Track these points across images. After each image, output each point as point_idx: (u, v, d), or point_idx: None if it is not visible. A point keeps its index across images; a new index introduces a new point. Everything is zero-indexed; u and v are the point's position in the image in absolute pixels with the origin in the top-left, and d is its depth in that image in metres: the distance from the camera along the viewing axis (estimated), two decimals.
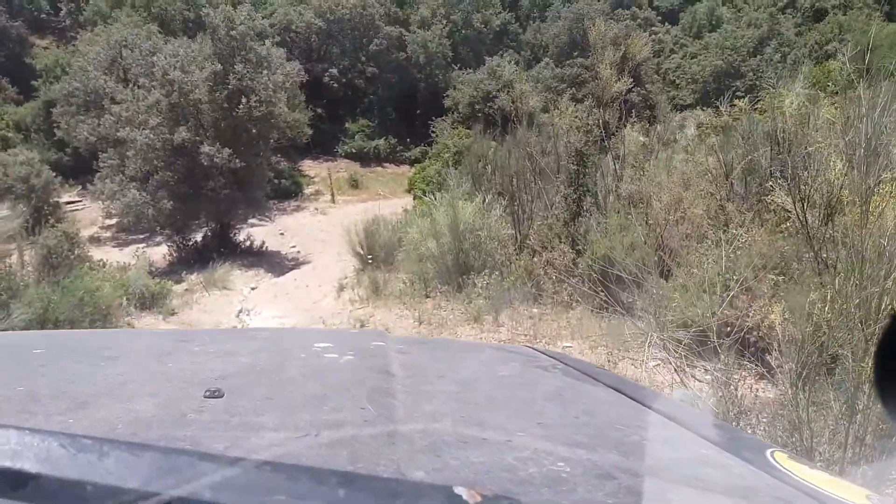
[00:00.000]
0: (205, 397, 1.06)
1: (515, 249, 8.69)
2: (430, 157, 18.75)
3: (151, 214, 16.18)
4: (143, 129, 16.28)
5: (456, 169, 16.05)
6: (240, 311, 12.50)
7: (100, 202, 18.10)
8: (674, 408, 1.40)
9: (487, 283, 7.67)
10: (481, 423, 1.11)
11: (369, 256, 12.09)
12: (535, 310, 7.28)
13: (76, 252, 11.95)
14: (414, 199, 18.53)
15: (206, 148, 16.16)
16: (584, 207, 8.19)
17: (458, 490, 0.63)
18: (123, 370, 1.28)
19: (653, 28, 35.81)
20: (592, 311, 6.75)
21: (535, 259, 7.98)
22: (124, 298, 10.61)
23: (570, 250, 7.50)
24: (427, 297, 8.70)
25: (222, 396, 1.07)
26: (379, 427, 1.00)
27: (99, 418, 0.96)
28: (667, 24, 38.03)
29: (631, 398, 1.39)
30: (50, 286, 9.81)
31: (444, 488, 0.64)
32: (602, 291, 6.17)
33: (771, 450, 1.11)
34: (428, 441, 0.96)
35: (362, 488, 0.64)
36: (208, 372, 1.25)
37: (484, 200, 9.31)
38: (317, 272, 14.82)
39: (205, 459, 0.66)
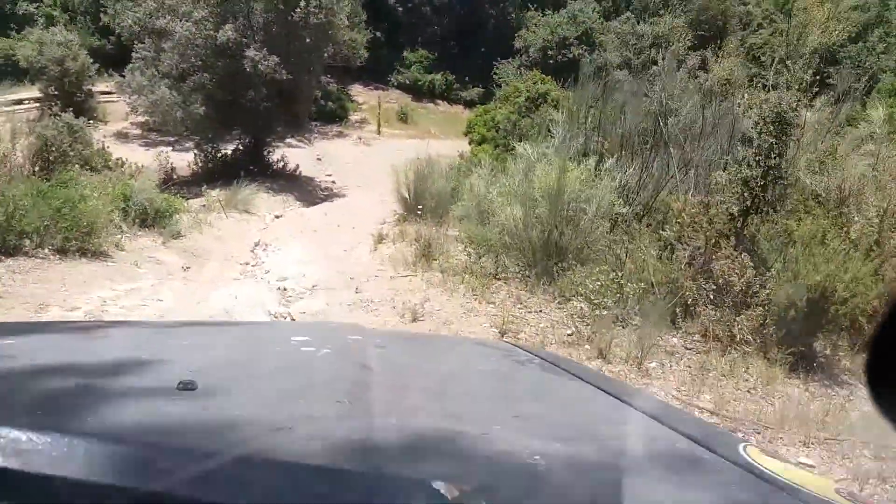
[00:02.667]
0: (178, 390, 0.97)
1: (627, 234, 6.18)
2: (496, 100, 16.06)
3: (180, 117, 13.86)
4: (186, 21, 13.80)
5: (529, 119, 13.44)
6: (256, 244, 10.25)
7: (126, 96, 15.73)
8: (649, 403, 1.34)
9: (601, 286, 5.20)
10: (458, 417, 1.06)
11: (419, 206, 9.67)
12: (674, 340, 4.84)
13: (77, 149, 9.66)
14: (470, 143, 15.92)
15: (251, 52, 13.68)
16: (769, 199, 5.60)
17: (437, 485, 0.59)
18: (95, 362, 1.19)
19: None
20: (781, 364, 4.33)
21: (665, 254, 5.50)
22: (117, 213, 8.34)
23: (748, 261, 4.91)
24: (496, 277, 6.29)
25: (195, 389, 0.97)
26: (356, 421, 0.95)
27: (69, 411, 0.88)
28: None
29: (607, 393, 1.32)
30: (26, 188, 7.56)
31: (422, 483, 0.61)
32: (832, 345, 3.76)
33: (743, 444, 1.06)
34: (405, 435, 0.92)
35: (340, 483, 0.60)
36: (182, 365, 1.16)
37: (598, 164, 6.75)
38: (352, 210, 12.47)
39: (180, 454, 0.61)
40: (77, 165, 9.47)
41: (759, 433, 3.53)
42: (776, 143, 5.60)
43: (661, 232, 5.77)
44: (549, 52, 22.40)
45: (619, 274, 5.28)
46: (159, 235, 8.96)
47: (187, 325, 2.55)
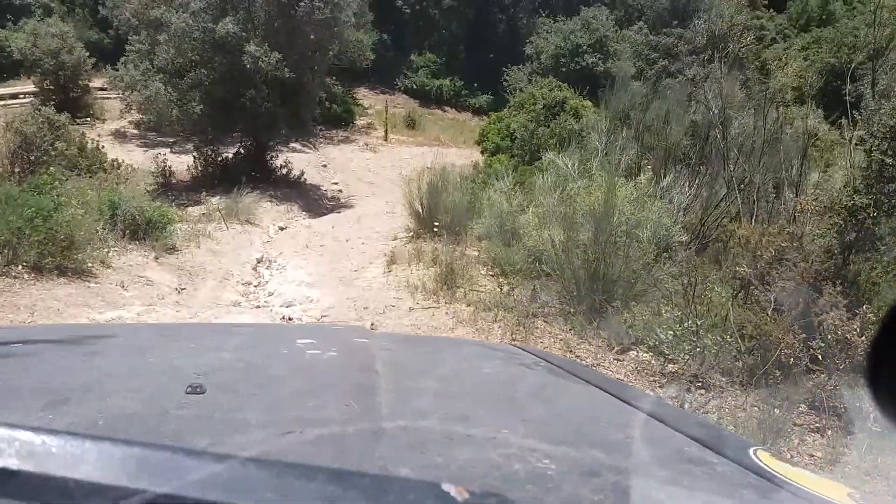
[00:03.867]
0: (186, 393, 0.97)
1: (689, 266, 5.22)
2: (510, 107, 15.14)
3: (176, 116, 12.90)
4: (183, 12, 12.87)
5: (547, 128, 12.53)
6: (259, 261, 9.31)
7: (119, 91, 14.77)
8: (657, 406, 1.31)
9: (675, 337, 4.24)
10: (466, 420, 1.04)
11: (435, 224, 8.74)
12: (776, 411, 3.82)
13: (59, 147, 8.70)
14: (483, 153, 14.99)
15: (252, 47, 12.75)
16: (879, 234, 4.63)
17: (446, 487, 0.57)
18: (105, 365, 1.20)
19: (756, 13, 31.22)
20: None
21: (741, 295, 4.56)
22: (102, 224, 7.38)
23: (871, 315, 3.87)
24: (534, 315, 5.35)
25: (204, 392, 0.98)
26: (364, 424, 0.94)
27: (80, 414, 0.89)
28: (771, 10, 33.28)
29: (614, 396, 1.30)
30: None
31: (432, 485, 0.59)
32: None
33: (753, 448, 1.03)
34: (413, 438, 0.92)
35: (350, 485, 0.58)
36: (191, 368, 1.15)
37: (655, 181, 5.81)
38: (361, 223, 11.53)
39: (190, 456, 0.60)
40: (55, 167, 8.51)
41: None
42: (891, 165, 4.62)
43: (738, 268, 4.80)
44: (562, 60, 21.49)
45: (697, 322, 4.33)
46: (151, 249, 7.99)
47: (195, 328, 2.45)
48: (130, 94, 13.87)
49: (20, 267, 6.13)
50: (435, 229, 8.62)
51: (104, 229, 7.71)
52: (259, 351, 1.44)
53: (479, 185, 10.92)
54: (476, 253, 8.74)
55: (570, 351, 4.73)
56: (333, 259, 9.09)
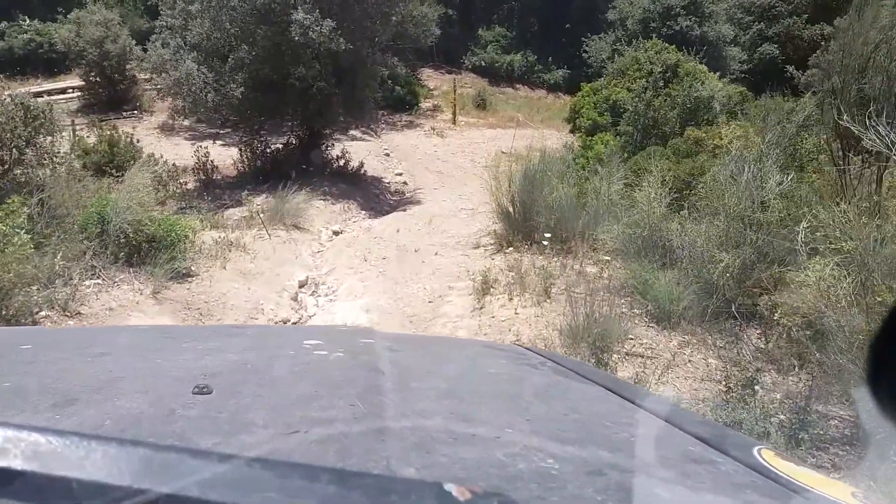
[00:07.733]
0: (193, 394, 0.93)
1: None
2: (607, 76, 12.16)
3: (212, 101, 10.48)
4: None
5: (666, 98, 9.49)
6: (303, 284, 6.77)
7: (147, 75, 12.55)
8: (662, 405, 1.22)
9: None
10: (471, 419, 1.00)
11: (546, 234, 5.97)
12: None
13: (40, 143, 6.33)
14: (574, 132, 12.06)
15: (300, 15, 10.22)
16: None
17: (449, 487, 0.56)
18: (111, 367, 1.14)
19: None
20: None
21: None
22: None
23: None
24: (799, 441, 2.57)
25: (211, 393, 0.93)
26: (369, 424, 0.91)
27: (87, 415, 0.86)
28: None
29: (619, 395, 1.24)
30: None
31: (434, 485, 0.57)
32: None
33: (758, 447, 0.98)
34: (418, 438, 0.88)
35: (354, 485, 0.57)
36: (196, 369, 1.09)
37: None
38: (432, 225, 8.85)
39: (194, 456, 0.58)
40: (44, 169, 6.18)
41: None
42: None
43: None
44: (652, 25, 18.17)
45: None
46: (150, 278, 5.55)
47: (200, 330, 2.57)
48: (158, 77, 11.57)
49: None
50: (545, 241, 5.85)
51: (88, 254, 5.33)
52: (265, 352, 1.36)
53: (588, 173, 8.09)
54: (595, 269, 5.96)
55: None
56: (400, 280, 6.48)
